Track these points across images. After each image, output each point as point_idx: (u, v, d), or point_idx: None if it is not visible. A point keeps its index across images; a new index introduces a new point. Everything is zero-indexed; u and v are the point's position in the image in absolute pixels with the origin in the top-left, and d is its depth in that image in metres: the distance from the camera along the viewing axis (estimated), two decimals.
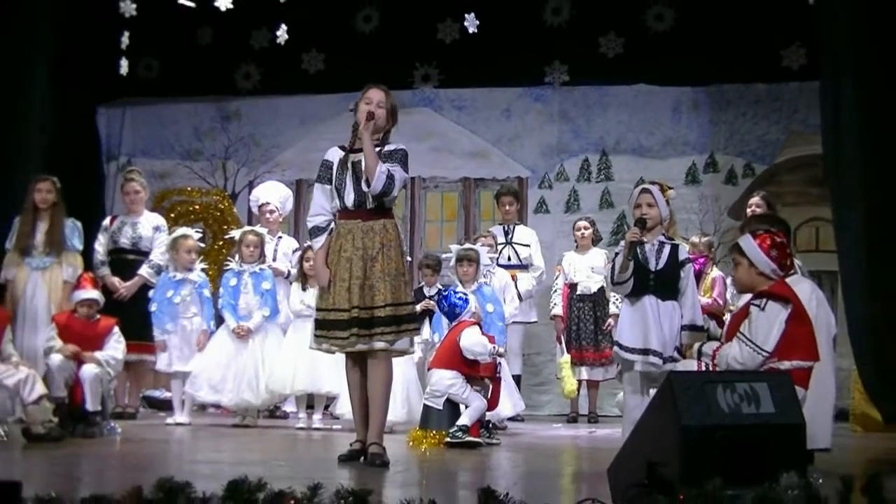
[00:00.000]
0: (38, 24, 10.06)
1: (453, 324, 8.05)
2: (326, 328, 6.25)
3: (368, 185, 6.15)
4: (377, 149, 6.25)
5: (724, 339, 5.86)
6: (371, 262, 6.17)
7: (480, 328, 8.08)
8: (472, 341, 7.78)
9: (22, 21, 9.84)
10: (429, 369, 8.05)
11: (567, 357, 10.30)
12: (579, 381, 10.41)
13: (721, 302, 8.68)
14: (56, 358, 7.70)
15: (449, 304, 8.07)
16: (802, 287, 6.22)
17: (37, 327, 8.80)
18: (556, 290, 10.60)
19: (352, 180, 6.24)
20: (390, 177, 6.16)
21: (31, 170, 9.62)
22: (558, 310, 10.52)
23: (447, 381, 7.73)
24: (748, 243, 5.85)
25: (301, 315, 8.89)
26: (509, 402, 8.71)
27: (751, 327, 5.57)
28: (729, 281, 8.65)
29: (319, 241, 6.35)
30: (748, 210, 8.62)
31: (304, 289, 8.98)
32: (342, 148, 6.39)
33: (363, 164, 6.20)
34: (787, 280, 6.14)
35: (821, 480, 4.21)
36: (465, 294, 8.28)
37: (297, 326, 8.98)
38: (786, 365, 5.45)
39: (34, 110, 10.19)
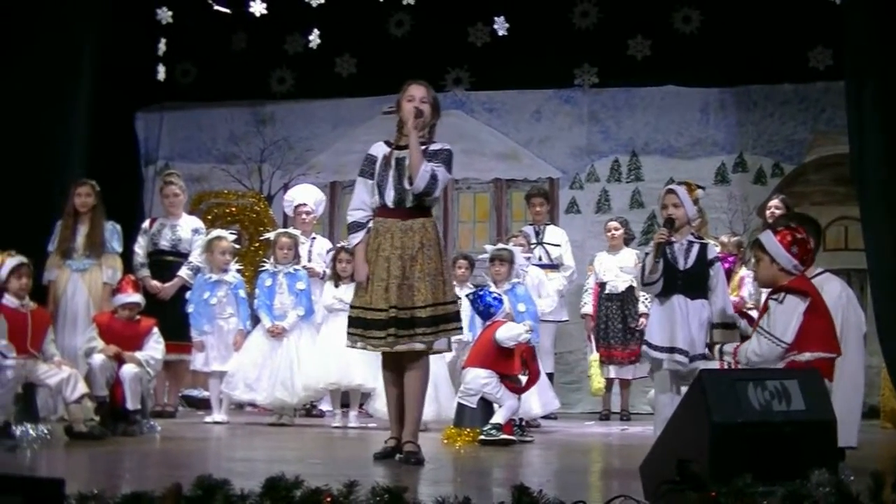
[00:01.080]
0: (80, 34, 10.19)
1: (487, 324, 8.12)
2: (362, 327, 6.22)
3: (411, 183, 6.15)
4: (423, 146, 6.24)
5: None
6: (410, 261, 6.14)
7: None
8: (508, 329, 7.86)
9: (64, 31, 9.96)
10: (462, 368, 8.10)
11: (596, 356, 10.38)
12: (610, 380, 10.49)
13: (746, 300, 8.72)
14: (98, 358, 7.77)
15: (484, 305, 8.12)
16: (832, 285, 6.26)
17: (77, 328, 8.91)
18: (587, 290, 10.67)
19: (394, 178, 6.22)
20: (434, 176, 6.15)
21: (72, 174, 9.73)
22: (588, 308, 10.59)
23: (482, 380, 7.78)
24: (769, 239, 5.86)
25: (333, 309, 8.98)
26: (538, 402, 8.76)
27: (769, 321, 5.61)
28: (749, 279, 8.70)
29: (358, 237, 6.31)
30: (767, 212, 8.68)
31: (336, 286, 9.07)
32: (387, 143, 6.39)
33: (407, 161, 6.20)
34: (818, 279, 6.19)
35: (852, 477, 4.26)
36: (500, 294, 8.34)
37: (330, 322, 9.07)
38: (806, 356, 5.50)
39: (76, 117, 10.32)
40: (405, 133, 6.29)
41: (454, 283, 9.33)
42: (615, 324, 10.41)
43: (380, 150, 6.36)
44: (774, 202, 8.84)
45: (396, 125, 6.42)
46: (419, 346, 6.20)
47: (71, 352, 8.54)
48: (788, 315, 5.59)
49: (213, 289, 9.33)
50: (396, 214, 6.24)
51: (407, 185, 6.18)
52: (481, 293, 8.23)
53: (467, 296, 8.59)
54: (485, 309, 8.13)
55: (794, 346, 5.55)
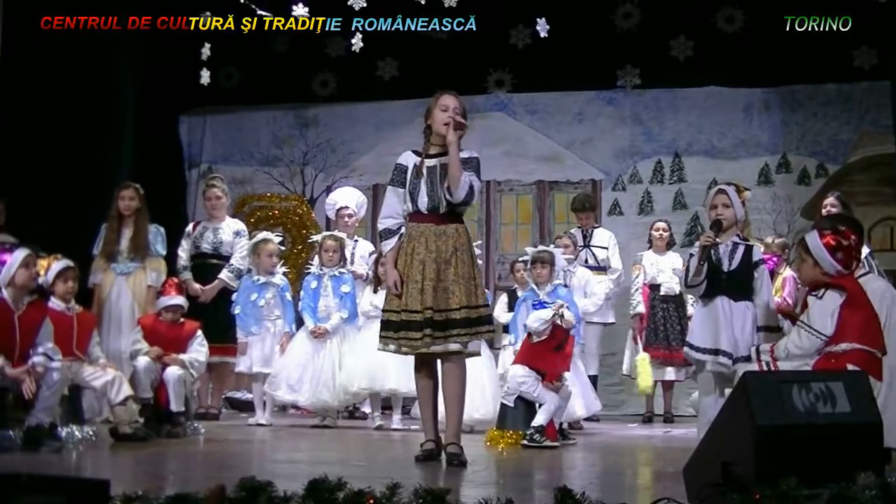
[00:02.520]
0: (127, 42, 10.29)
1: None
2: (395, 329, 6.25)
3: (450, 193, 6.18)
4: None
5: None
6: (445, 265, 6.18)
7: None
8: (533, 316, 7.85)
9: (112, 39, 10.07)
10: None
11: (645, 356, 10.29)
12: (657, 381, 10.44)
13: (790, 301, 8.64)
14: (142, 360, 7.84)
15: (539, 306, 8.11)
16: (876, 286, 6.19)
17: (122, 330, 8.97)
18: (636, 289, 10.59)
19: (426, 185, 6.27)
20: (471, 186, 6.20)
21: (117, 178, 9.84)
22: (641, 308, 10.48)
23: (518, 378, 7.75)
24: (814, 242, 5.83)
25: (369, 316, 8.99)
26: (581, 403, 8.73)
27: (809, 316, 5.62)
28: (791, 280, 8.63)
29: (390, 244, 6.37)
30: (823, 210, 8.59)
31: (375, 291, 9.06)
32: (416, 153, 6.43)
33: (438, 170, 6.25)
34: (861, 279, 6.13)
35: None
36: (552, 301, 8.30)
37: (366, 327, 9.06)
38: (843, 347, 5.49)
39: (123, 123, 10.43)
40: (433, 142, 6.35)
41: (515, 285, 9.37)
42: (673, 325, 10.32)
43: (409, 159, 6.41)
44: (830, 200, 8.71)
45: (424, 133, 6.45)
46: (454, 347, 6.21)
47: (116, 354, 8.62)
48: (826, 309, 5.63)
49: (261, 290, 9.35)
50: (430, 220, 6.30)
51: (447, 195, 6.22)
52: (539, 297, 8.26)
53: (524, 298, 8.64)
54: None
55: (831, 338, 5.55)
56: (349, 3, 9.25)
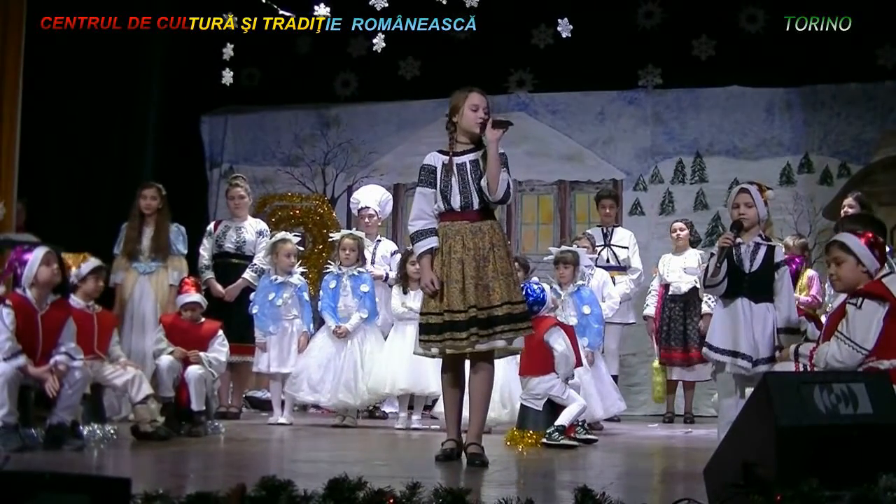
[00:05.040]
0: (149, 43, 10.34)
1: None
2: (438, 331, 6.16)
3: (490, 192, 6.13)
4: (479, 152, 6.26)
5: (821, 340, 5.81)
6: (483, 262, 6.12)
7: (559, 323, 8.01)
8: (564, 354, 7.75)
9: (134, 40, 10.11)
10: (521, 375, 8.02)
11: (658, 366, 10.33)
12: (673, 382, 10.43)
13: (820, 300, 8.59)
14: (166, 359, 7.87)
15: (533, 298, 7.76)
16: None
17: (144, 330, 9.01)
18: (651, 292, 10.61)
19: (458, 182, 6.21)
20: (509, 184, 6.17)
21: (141, 178, 9.88)
22: (650, 310, 10.53)
23: (546, 384, 7.72)
24: (855, 241, 5.78)
25: (403, 318, 8.95)
26: (600, 405, 8.72)
27: (849, 326, 5.50)
28: (817, 279, 8.58)
29: (423, 246, 6.26)
30: (842, 211, 8.55)
31: (405, 292, 9.06)
32: (442, 152, 6.36)
33: (468, 167, 6.21)
34: (887, 279, 6.09)
35: None
36: (542, 286, 8.14)
37: (398, 329, 9.05)
38: (885, 364, 5.39)
39: (146, 123, 10.47)
40: (460, 140, 6.31)
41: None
42: (677, 325, 10.33)
43: (437, 159, 6.34)
44: (848, 200, 8.68)
45: (448, 129, 6.39)
46: (500, 344, 6.18)
47: (138, 353, 8.67)
48: (868, 321, 5.46)
49: (278, 290, 9.36)
50: (464, 217, 6.23)
51: (486, 194, 6.17)
52: (525, 285, 8.01)
53: None
54: (532, 303, 7.88)
55: (873, 352, 5.44)
56: (371, 2, 9.27)
